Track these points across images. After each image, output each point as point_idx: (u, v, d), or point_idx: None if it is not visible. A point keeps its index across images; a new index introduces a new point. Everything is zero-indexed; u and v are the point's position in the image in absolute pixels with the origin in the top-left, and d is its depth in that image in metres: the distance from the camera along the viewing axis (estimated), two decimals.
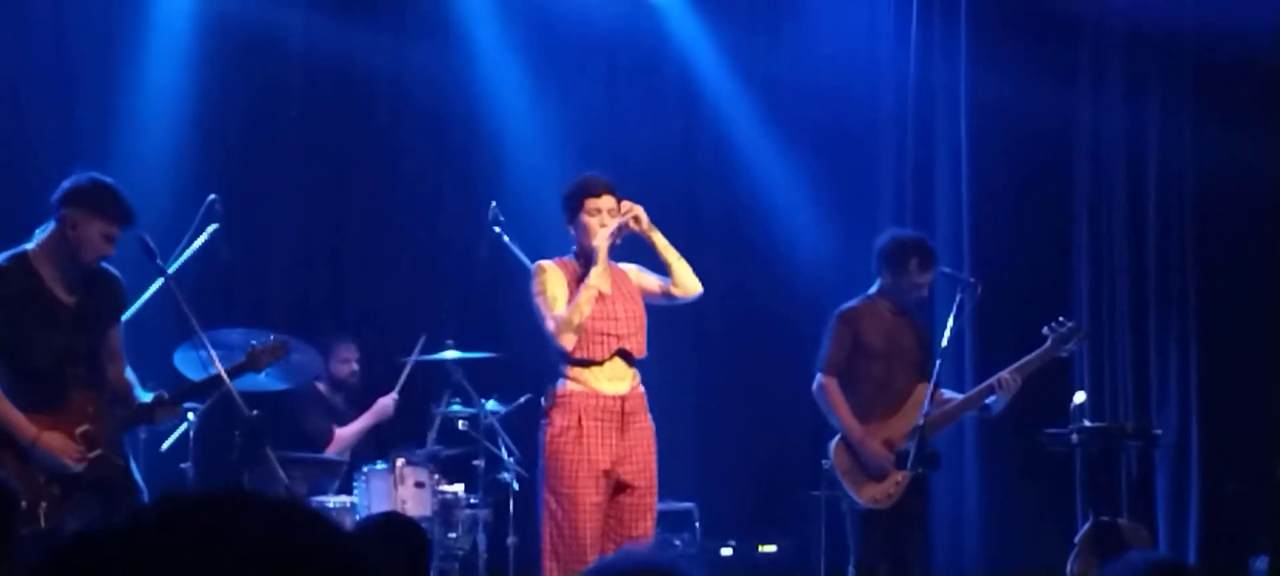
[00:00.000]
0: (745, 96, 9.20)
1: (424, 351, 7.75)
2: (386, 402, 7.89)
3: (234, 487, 1.27)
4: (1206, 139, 8.55)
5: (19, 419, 5.40)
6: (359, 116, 8.79)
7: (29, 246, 5.57)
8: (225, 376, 5.73)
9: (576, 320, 5.98)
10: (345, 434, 7.88)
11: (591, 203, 6.11)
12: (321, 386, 7.92)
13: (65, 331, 5.53)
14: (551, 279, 6.11)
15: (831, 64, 9.03)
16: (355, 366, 8.11)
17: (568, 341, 6.00)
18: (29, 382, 5.47)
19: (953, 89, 8.97)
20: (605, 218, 6.09)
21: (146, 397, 5.72)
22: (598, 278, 6.02)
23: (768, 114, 9.17)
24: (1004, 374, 6.89)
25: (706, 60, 9.20)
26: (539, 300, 6.09)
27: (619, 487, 6.06)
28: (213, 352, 5.79)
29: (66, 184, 5.57)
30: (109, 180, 5.65)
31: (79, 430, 5.49)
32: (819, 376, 6.96)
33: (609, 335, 6.06)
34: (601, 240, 6.04)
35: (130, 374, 5.77)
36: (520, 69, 8.99)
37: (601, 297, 6.06)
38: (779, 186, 9.17)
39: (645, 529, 6.10)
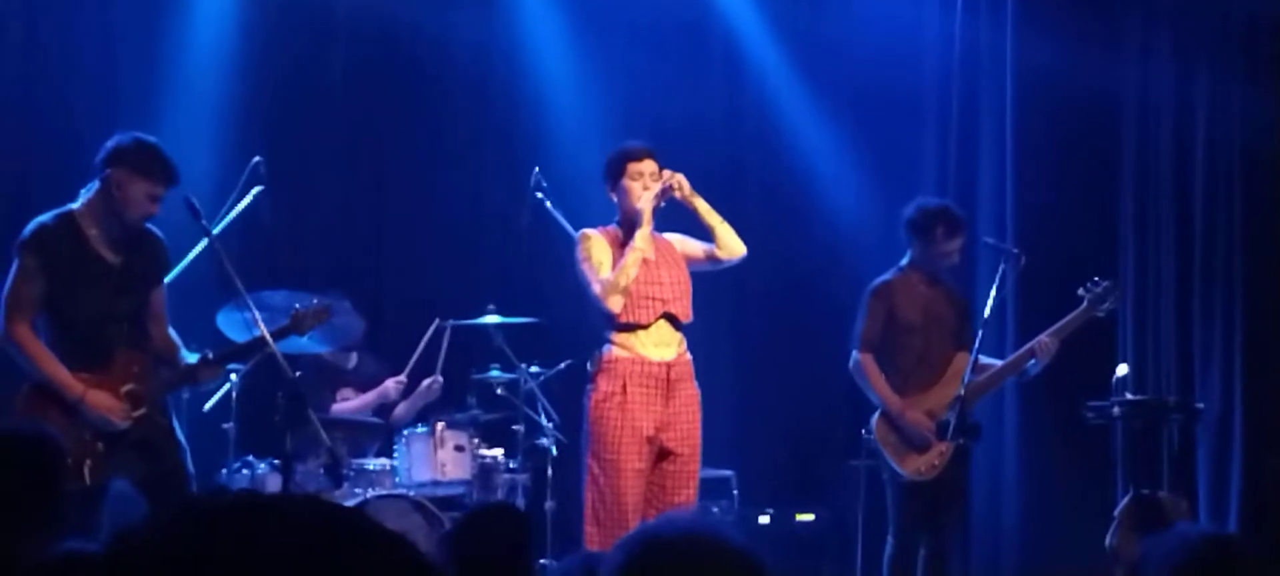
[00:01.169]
0: (789, 62, 9.14)
1: (437, 334, 7.67)
2: (390, 385, 7.80)
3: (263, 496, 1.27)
4: (1255, 106, 8.44)
5: (66, 376, 5.44)
6: (403, 80, 8.78)
7: (74, 206, 5.60)
8: (269, 338, 5.75)
9: (623, 282, 6.01)
10: (338, 410, 7.74)
11: (633, 166, 6.17)
12: (327, 354, 7.85)
13: (110, 290, 5.57)
14: (596, 245, 6.14)
15: (876, 29, 8.95)
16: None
17: (614, 304, 6.03)
18: (74, 341, 5.52)
19: (999, 54, 8.89)
20: (647, 181, 6.15)
21: (191, 358, 5.75)
22: (643, 240, 6.05)
23: (811, 80, 9.11)
24: (1043, 337, 6.89)
25: (750, 26, 9.15)
26: (584, 266, 6.12)
27: (662, 454, 6.08)
28: (257, 314, 5.82)
29: (110, 144, 5.60)
30: (153, 139, 5.68)
31: (124, 389, 5.53)
32: (855, 353, 6.95)
33: (654, 299, 6.09)
34: (645, 202, 6.08)
35: (174, 334, 5.80)
36: (564, 34, 8.96)
37: (646, 263, 6.09)
38: (822, 153, 9.12)
39: (688, 496, 6.11)
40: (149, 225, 5.72)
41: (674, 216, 6.34)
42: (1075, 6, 8.72)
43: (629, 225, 6.15)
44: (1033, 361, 6.91)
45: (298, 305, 6.07)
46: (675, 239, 6.32)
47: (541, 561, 6.91)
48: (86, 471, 5.38)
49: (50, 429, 3.81)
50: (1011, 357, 7.04)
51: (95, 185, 5.59)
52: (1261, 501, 8.12)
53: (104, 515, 5.45)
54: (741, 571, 1.72)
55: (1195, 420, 8.11)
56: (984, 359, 6.93)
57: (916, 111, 9.11)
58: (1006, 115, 8.83)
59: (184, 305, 6.19)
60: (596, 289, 6.07)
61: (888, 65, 8.98)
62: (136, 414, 5.53)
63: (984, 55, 8.95)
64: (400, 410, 7.73)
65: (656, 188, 6.11)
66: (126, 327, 5.61)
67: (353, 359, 7.98)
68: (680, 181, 6.16)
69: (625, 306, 6.05)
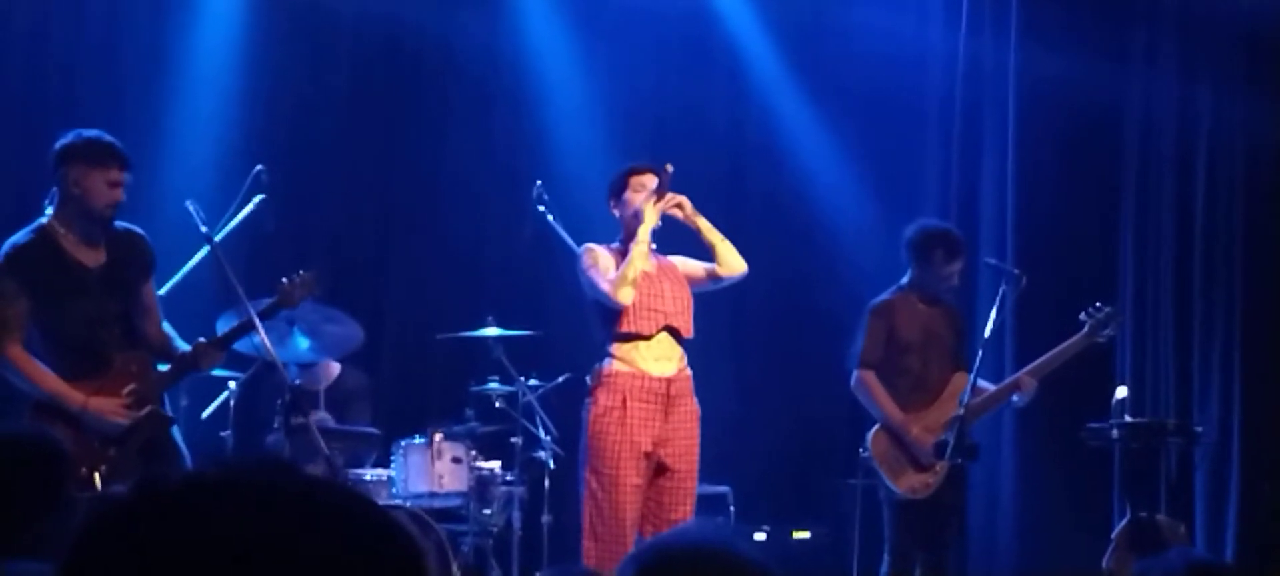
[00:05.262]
0: (792, 75, 9.13)
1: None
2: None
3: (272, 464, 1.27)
4: (1259, 124, 8.43)
5: (65, 388, 5.38)
6: (407, 89, 8.80)
7: (44, 219, 5.54)
8: (256, 319, 5.68)
9: (631, 275, 6.04)
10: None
11: (635, 180, 6.26)
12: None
13: (94, 296, 5.50)
14: (601, 255, 6.19)
15: (880, 42, 8.94)
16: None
17: (625, 296, 6.03)
18: (69, 353, 5.46)
19: (1001, 69, 8.88)
20: (649, 194, 6.18)
21: (186, 348, 5.68)
22: (645, 234, 6.08)
23: (814, 94, 9.10)
24: (1022, 374, 6.95)
25: (753, 38, 9.15)
26: (592, 272, 6.14)
27: (660, 470, 6.08)
28: (257, 320, 5.77)
29: (56, 147, 5.53)
30: (94, 131, 5.61)
31: (126, 390, 5.49)
32: (856, 372, 6.93)
33: (656, 311, 6.11)
34: (645, 202, 6.12)
35: (168, 327, 5.73)
36: (569, 46, 8.97)
37: (649, 277, 6.12)
38: (824, 168, 9.11)
39: (685, 513, 6.11)
40: (132, 224, 5.67)
41: (677, 239, 6.36)
42: (1079, 22, 8.71)
43: (630, 240, 6.18)
44: (1016, 396, 6.95)
45: (284, 278, 5.97)
46: (678, 260, 6.37)
47: None
48: (98, 478, 5.33)
49: (51, 432, 3.79)
50: (998, 387, 7.02)
51: (56, 192, 5.53)
52: (1258, 527, 8.12)
53: None
54: None
55: (1194, 443, 8.10)
56: (981, 382, 6.93)
57: (919, 126, 9.11)
58: (1009, 131, 8.83)
59: (184, 312, 6.17)
60: (605, 287, 6.08)
61: (891, 79, 8.98)
62: (143, 412, 5.48)
63: (987, 70, 8.94)
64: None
65: (653, 187, 6.17)
66: (118, 330, 5.55)
67: (335, 371, 7.86)
68: (683, 202, 6.20)
69: (628, 317, 6.06)
